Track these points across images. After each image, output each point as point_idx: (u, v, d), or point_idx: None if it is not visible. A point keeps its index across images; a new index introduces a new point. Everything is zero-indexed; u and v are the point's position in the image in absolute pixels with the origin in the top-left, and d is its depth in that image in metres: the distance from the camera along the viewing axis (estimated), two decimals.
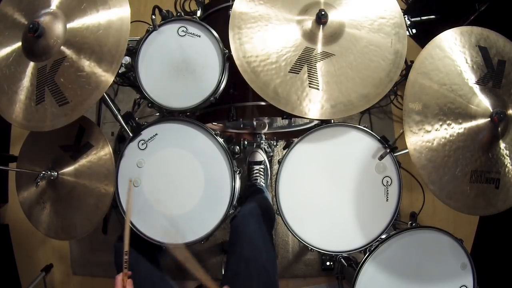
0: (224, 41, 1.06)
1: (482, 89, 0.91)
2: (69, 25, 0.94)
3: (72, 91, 0.92)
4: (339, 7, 0.99)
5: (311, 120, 1.28)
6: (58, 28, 0.93)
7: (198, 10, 1.27)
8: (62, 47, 0.93)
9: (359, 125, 1.04)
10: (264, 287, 0.99)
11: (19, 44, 0.98)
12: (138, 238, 1.03)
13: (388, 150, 1.00)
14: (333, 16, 0.97)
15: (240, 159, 1.72)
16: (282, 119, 1.42)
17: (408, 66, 1.41)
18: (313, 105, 0.93)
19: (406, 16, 1.05)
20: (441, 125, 0.89)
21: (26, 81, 0.96)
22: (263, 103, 1.12)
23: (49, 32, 0.92)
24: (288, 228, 1.02)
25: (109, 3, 0.93)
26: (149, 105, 1.12)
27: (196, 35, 1.09)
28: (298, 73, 0.95)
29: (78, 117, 0.92)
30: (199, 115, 1.24)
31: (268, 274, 1.01)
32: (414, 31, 1.08)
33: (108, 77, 0.90)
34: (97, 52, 0.91)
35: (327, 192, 1.03)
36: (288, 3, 1.00)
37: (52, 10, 0.96)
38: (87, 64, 0.91)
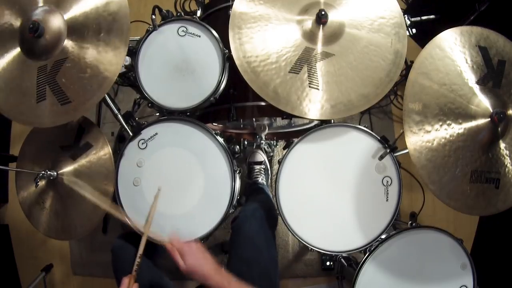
0: (224, 41, 1.06)
1: (482, 89, 0.91)
2: (66, 16, 0.93)
3: (74, 91, 0.91)
4: (339, 7, 0.99)
5: (311, 120, 1.28)
6: (56, 22, 0.92)
7: (198, 10, 1.27)
8: (65, 42, 0.92)
9: (359, 125, 1.04)
10: None
11: (16, 43, 0.97)
12: (138, 239, 1.02)
13: (388, 150, 1.00)
14: (333, 16, 0.97)
15: (240, 159, 1.72)
16: (282, 119, 1.42)
17: (408, 66, 1.40)
18: (313, 105, 0.93)
19: (406, 16, 1.05)
20: (441, 125, 0.89)
21: (26, 80, 0.95)
22: (263, 103, 1.12)
23: (49, 29, 0.91)
24: (288, 228, 1.02)
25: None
26: (149, 105, 1.12)
27: (196, 35, 1.09)
28: (298, 73, 0.95)
29: (81, 115, 0.92)
30: (199, 115, 1.24)
31: (270, 276, 1.01)
32: (414, 31, 1.08)
33: (110, 78, 0.89)
34: (104, 24, 0.91)
35: (327, 192, 1.03)
36: (288, 3, 1.00)
37: (45, 6, 0.95)
38: (89, 65, 0.90)
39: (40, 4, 0.95)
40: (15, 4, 0.98)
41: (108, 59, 0.90)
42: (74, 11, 0.93)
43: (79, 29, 0.92)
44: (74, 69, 0.91)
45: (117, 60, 0.90)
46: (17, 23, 0.97)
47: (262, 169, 1.66)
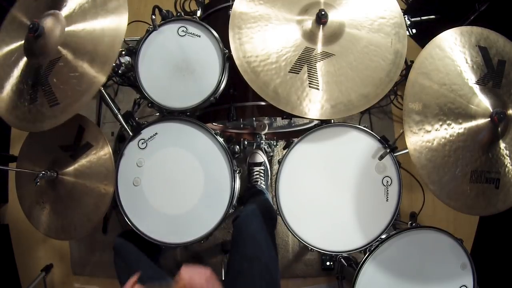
0: (224, 41, 1.06)
1: (482, 89, 0.91)
2: (67, 28, 0.94)
3: (63, 92, 0.92)
4: (339, 7, 0.99)
5: (311, 120, 1.28)
6: (56, 29, 0.94)
7: (198, 10, 1.27)
8: (58, 47, 0.93)
9: (359, 125, 1.04)
10: (266, 286, 0.99)
11: (22, 44, 0.99)
12: (138, 238, 1.02)
13: (388, 150, 1.00)
14: (333, 16, 0.97)
15: (240, 159, 1.72)
16: (282, 119, 1.42)
17: (408, 66, 1.40)
18: (313, 105, 0.93)
19: (406, 16, 1.05)
20: (441, 125, 0.89)
21: (23, 81, 0.96)
22: (263, 103, 1.12)
23: (49, 32, 0.92)
24: (288, 228, 1.02)
25: (108, 9, 0.93)
26: (149, 105, 1.12)
27: (196, 35, 1.09)
28: (298, 73, 0.95)
29: (67, 119, 0.92)
30: (199, 115, 1.24)
31: (271, 273, 1.02)
32: (414, 31, 1.08)
33: (99, 78, 0.90)
34: (91, 53, 0.91)
35: (327, 192, 1.03)
36: (288, 3, 1.00)
37: (54, 12, 0.96)
38: (81, 65, 0.91)
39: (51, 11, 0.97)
40: (29, 9, 1.01)
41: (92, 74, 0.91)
42: (76, 27, 0.94)
43: (71, 44, 0.93)
44: (66, 68, 0.92)
45: (96, 81, 0.90)
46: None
47: (262, 171, 1.66)
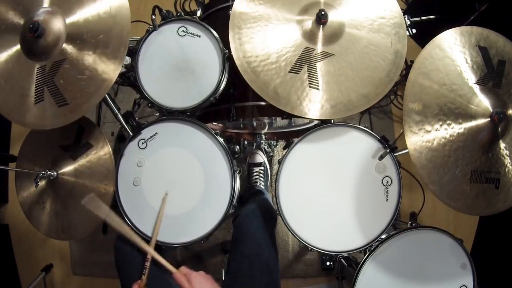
0: (224, 41, 1.06)
1: (482, 89, 0.91)
2: (68, 20, 0.93)
3: (72, 93, 0.91)
4: (339, 7, 0.99)
5: (311, 120, 1.28)
6: (57, 25, 0.92)
7: (198, 10, 1.27)
8: (64, 45, 0.92)
9: (359, 125, 1.04)
10: (266, 285, 0.99)
11: (17, 42, 0.97)
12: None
13: (388, 150, 1.00)
14: (333, 16, 0.97)
15: (240, 159, 1.72)
16: (282, 119, 1.42)
17: (408, 66, 1.41)
18: (313, 105, 0.93)
19: (406, 16, 1.05)
20: (441, 125, 0.89)
21: (25, 79, 0.95)
22: (263, 103, 1.12)
23: (49, 31, 0.91)
24: (288, 228, 1.02)
25: None
26: (149, 105, 1.12)
27: (196, 35, 1.09)
28: (298, 73, 0.95)
29: (78, 118, 0.91)
30: (199, 115, 1.24)
31: (271, 272, 1.02)
32: (414, 31, 1.08)
33: (113, 70, 0.89)
34: (102, 39, 0.90)
35: (327, 192, 1.03)
36: (288, 3, 1.00)
37: (48, 8, 0.94)
38: (88, 64, 0.90)
39: (45, 5, 0.95)
40: (19, 5, 0.98)
41: (105, 68, 0.90)
42: (77, 16, 0.93)
43: (78, 36, 0.92)
44: (72, 71, 0.91)
45: (113, 70, 0.89)
46: (20, 22, 0.97)
47: (262, 172, 1.67)
